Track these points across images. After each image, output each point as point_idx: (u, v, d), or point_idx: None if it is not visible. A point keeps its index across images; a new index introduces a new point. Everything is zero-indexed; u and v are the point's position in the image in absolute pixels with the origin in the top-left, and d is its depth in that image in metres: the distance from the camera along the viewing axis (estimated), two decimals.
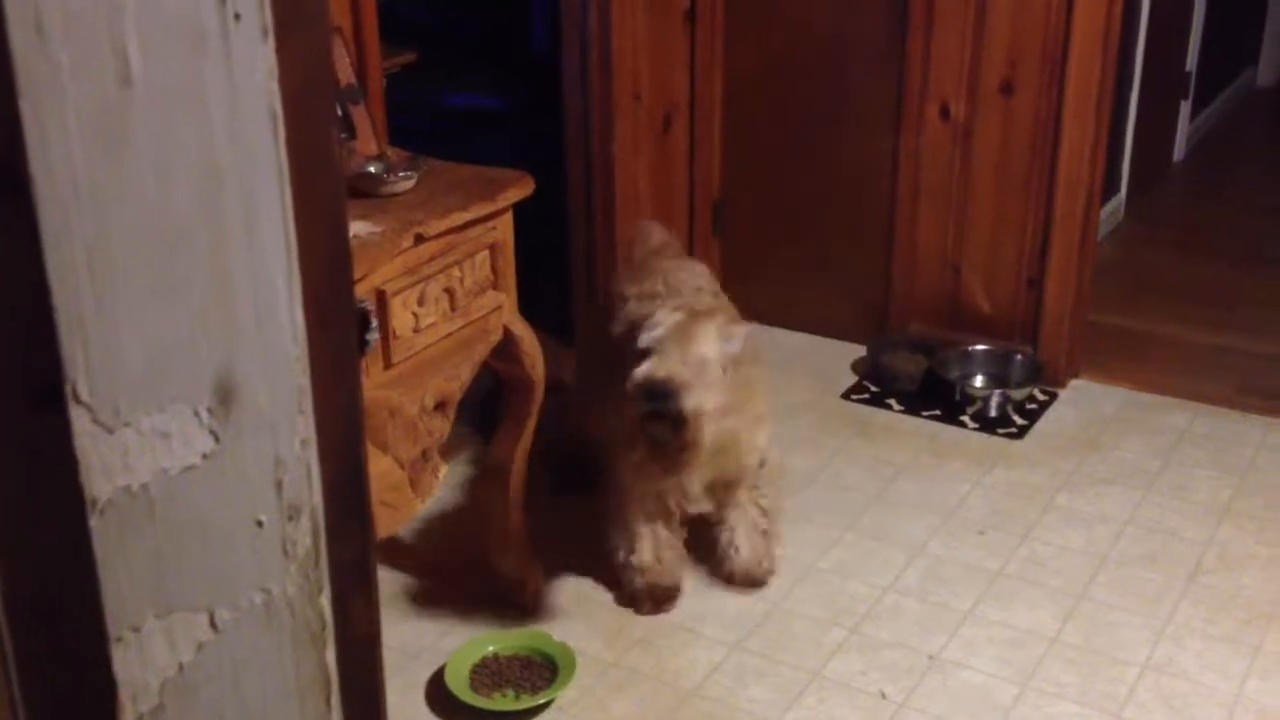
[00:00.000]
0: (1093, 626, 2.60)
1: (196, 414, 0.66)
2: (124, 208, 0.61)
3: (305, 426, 0.70)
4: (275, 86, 0.63)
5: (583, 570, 2.80)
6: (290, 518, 0.71)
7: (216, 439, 0.67)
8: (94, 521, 0.64)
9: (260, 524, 0.70)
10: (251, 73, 0.62)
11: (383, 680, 0.82)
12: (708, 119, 3.78)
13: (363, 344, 0.91)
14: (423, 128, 3.62)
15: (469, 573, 2.78)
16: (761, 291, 3.77)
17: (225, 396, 0.66)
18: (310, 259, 0.66)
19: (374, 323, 1.05)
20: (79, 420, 0.63)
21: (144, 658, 0.68)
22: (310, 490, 0.71)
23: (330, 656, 0.74)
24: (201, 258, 0.64)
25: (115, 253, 0.61)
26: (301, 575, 0.71)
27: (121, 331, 0.62)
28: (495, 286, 2.39)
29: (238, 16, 0.62)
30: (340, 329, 0.69)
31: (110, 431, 0.64)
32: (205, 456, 0.67)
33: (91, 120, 0.60)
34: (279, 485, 0.70)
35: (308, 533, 0.71)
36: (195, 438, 0.66)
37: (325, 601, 0.73)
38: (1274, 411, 3.41)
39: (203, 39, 0.61)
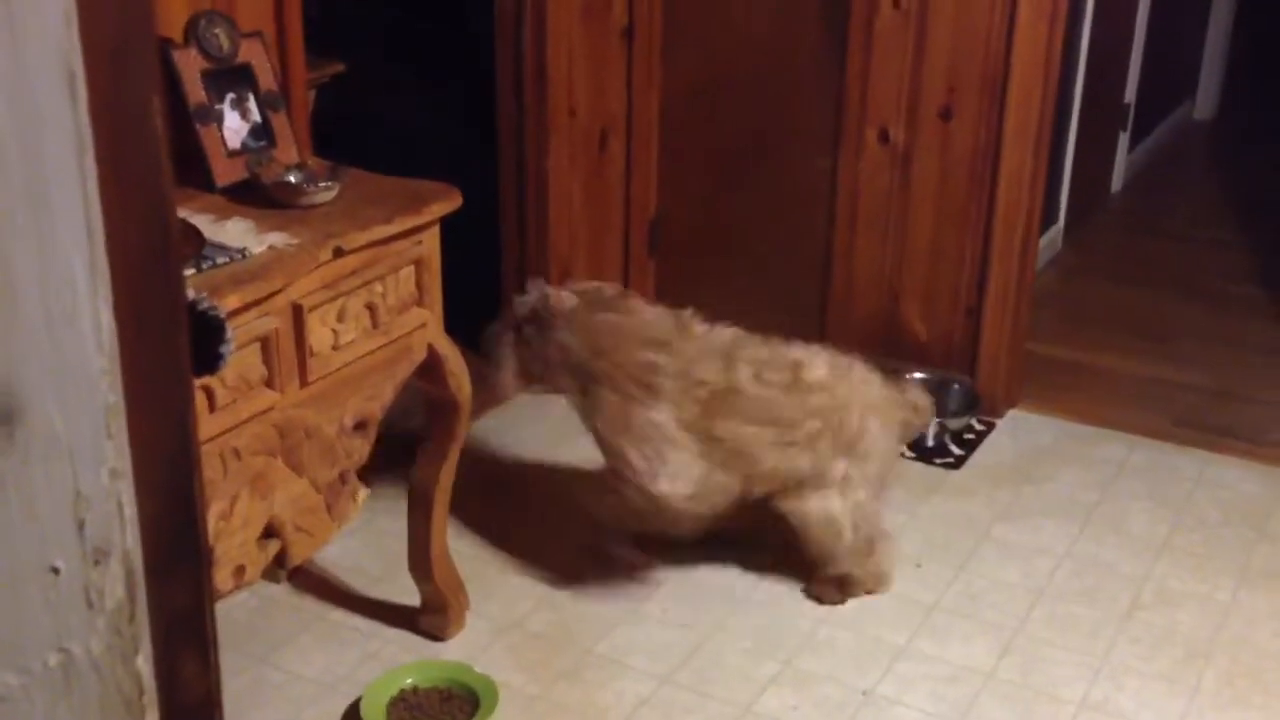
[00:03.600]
0: (1029, 663, 2.54)
1: None
2: None
3: (115, 454, 0.58)
4: (74, 38, 0.52)
5: (509, 598, 2.70)
6: (95, 562, 0.58)
7: None
8: None
9: (56, 570, 0.58)
10: (38, 17, 0.51)
11: None
12: (644, 136, 3.70)
13: (213, 358, 0.79)
14: (353, 140, 3.52)
15: (388, 600, 2.67)
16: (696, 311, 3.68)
17: (3, 415, 0.55)
18: (124, 249, 0.54)
19: (230, 333, 0.93)
20: None
21: None
22: (122, 530, 0.59)
23: None
24: None
25: None
26: (111, 631, 0.59)
27: None
28: (420, 304, 2.33)
29: None
30: (165, 335, 0.58)
31: None
32: None
33: None
34: (80, 524, 0.58)
35: (119, 581, 0.59)
36: None
37: (144, 662, 0.61)
38: (1210, 445, 3.37)
39: None
